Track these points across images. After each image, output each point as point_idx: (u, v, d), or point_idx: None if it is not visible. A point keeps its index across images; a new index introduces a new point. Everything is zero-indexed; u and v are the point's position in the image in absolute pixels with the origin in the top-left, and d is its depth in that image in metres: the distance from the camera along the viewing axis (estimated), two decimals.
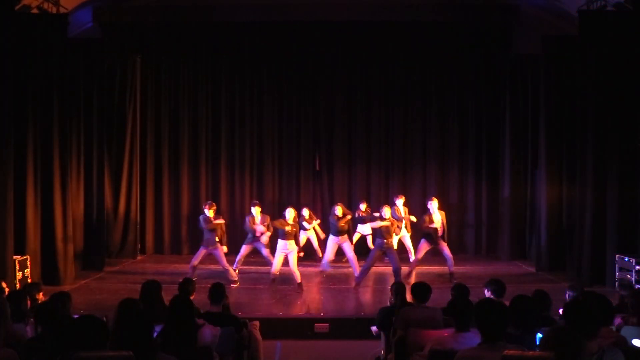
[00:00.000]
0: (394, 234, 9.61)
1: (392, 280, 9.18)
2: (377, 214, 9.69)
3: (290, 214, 9.62)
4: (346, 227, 10.37)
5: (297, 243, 9.95)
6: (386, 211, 9.52)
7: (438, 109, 12.97)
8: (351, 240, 10.74)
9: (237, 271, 10.12)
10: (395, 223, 9.60)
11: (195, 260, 9.68)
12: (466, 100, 12.89)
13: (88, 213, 11.36)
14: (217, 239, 9.70)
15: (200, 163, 12.97)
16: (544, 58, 10.99)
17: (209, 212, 9.76)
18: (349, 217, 10.62)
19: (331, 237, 10.48)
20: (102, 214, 11.55)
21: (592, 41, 9.69)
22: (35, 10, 10.09)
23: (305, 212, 11.06)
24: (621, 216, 9.48)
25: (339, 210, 10.41)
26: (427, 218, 9.96)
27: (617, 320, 5.03)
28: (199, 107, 12.97)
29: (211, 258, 9.97)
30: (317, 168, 13.07)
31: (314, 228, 11.23)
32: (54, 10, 10.26)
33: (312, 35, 12.82)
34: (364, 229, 11.29)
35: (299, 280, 9.47)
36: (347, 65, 12.98)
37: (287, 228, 9.44)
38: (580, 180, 9.99)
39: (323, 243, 11.37)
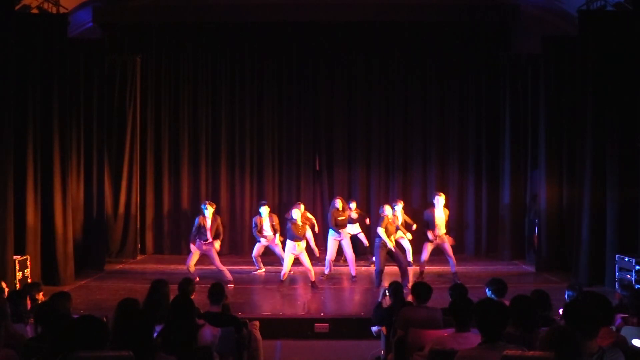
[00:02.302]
0: (392, 234, 9.54)
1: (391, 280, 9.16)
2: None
3: (297, 214, 9.63)
4: (345, 221, 10.26)
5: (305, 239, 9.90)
6: (387, 209, 9.51)
7: (438, 109, 12.96)
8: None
9: (263, 270, 10.73)
10: (389, 222, 9.55)
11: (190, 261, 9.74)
12: (466, 100, 12.88)
13: (88, 213, 11.37)
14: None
15: (200, 163, 12.96)
16: (544, 58, 11.00)
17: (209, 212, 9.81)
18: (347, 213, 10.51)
19: (330, 234, 10.33)
20: (102, 214, 11.56)
21: (592, 41, 9.69)
22: (35, 10, 10.10)
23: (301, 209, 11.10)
24: (621, 216, 9.46)
25: (339, 203, 10.25)
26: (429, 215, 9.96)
27: (617, 320, 5.03)
28: (199, 107, 12.97)
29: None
30: (317, 168, 13.07)
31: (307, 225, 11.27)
32: (54, 10, 10.27)
33: (312, 35, 12.82)
34: (353, 228, 11.14)
35: (314, 279, 9.50)
36: (347, 65, 12.96)
37: (298, 229, 9.49)
38: (580, 180, 9.99)
39: (319, 241, 11.48)
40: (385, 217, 9.39)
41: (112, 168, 12.27)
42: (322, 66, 12.95)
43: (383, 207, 9.62)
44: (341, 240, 10.26)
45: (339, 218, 10.19)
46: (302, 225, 9.57)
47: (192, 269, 9.67)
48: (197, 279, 9.20)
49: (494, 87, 12.69)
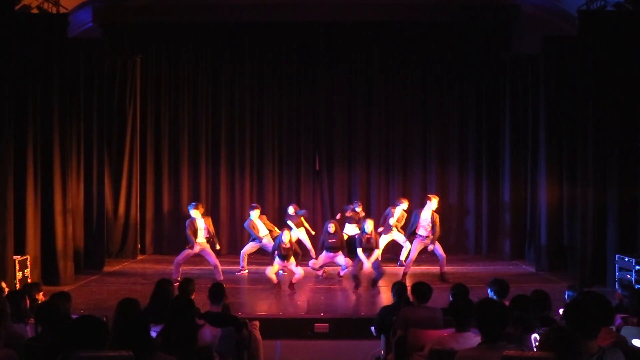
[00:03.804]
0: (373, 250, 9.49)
1: (392, 279, 9.15)
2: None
3: (286, 236, 9.29)
4: (338, 243, 9.96)
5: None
6: (369, 224, 9.49)
7: (438, 109, 12.96)
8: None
9: (246, 271, 10.60)
10: (376, 238, 9.60)
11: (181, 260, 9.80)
12: (466, 100, 12.88)
13: (88, 213, 11.36)
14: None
15: (200, 163, 12.96)
16: (544, 58, 10.99)
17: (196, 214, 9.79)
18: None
19: (323, 252, 10.13)
20: (102, 214, 11.55)
21: (592, 41, 9.68)
22: (35, 10, 10.09)
23: (290, 210, 11.17)
24: (621, 216, 9.46)
25: (332, 227, 9.96)
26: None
27: (617, 320, 5.03)
28: (199, 107, 12.97)
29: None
30: (317, 168, 13.06)
31: (303, 225, 11.26)
32: (54, 10, 10.27)
33: (312, 35, 12.82)
34: (352, 229, 11.06)
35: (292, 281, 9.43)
36: (347, 65, 12.96)
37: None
38: (580, 180, 9.98)
39: (314, 240, 11.51)
40: (364, 236, 9.39)
41: (112, 168, 12.27)
42: (322, 66, 12.94)
43: (366, 220, 9.64)
44: (333, 259, 10.06)
45: (331, 241, 9.93)
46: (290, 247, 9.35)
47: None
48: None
49: (494, 87, 12.70)
